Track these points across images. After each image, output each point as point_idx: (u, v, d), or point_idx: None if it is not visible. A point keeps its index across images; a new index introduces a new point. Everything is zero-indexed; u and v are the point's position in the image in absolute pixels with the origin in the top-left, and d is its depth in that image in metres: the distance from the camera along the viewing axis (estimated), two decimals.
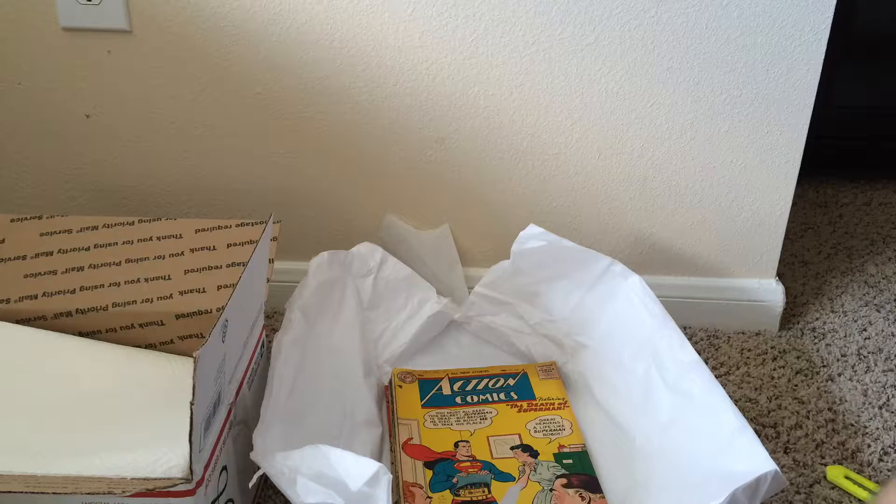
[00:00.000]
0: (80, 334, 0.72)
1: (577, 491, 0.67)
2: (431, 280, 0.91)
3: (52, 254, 0.75)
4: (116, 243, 0.76)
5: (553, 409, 0.78)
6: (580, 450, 0.73)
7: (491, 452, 0.72)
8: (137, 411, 0.63)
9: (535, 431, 0.75)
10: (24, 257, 0.75)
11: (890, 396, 0.85)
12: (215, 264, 0.76)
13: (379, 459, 0.73)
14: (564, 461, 0.71)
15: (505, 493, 0.67)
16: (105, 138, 0.92)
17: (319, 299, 0.80)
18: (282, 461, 0.57)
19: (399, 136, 0.90)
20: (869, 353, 0.93)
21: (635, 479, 0.70)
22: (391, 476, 0.55)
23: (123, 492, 0.52)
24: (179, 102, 0.90)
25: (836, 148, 1.31)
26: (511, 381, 0.81)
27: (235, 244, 0.77)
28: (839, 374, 0.89)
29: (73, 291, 0.73)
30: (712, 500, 0.56)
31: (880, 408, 0.84)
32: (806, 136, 0.89)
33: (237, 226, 0.78)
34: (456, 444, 0.73)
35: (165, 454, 0.55)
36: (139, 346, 0.72)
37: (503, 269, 0.86)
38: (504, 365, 0.84)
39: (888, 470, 0.76)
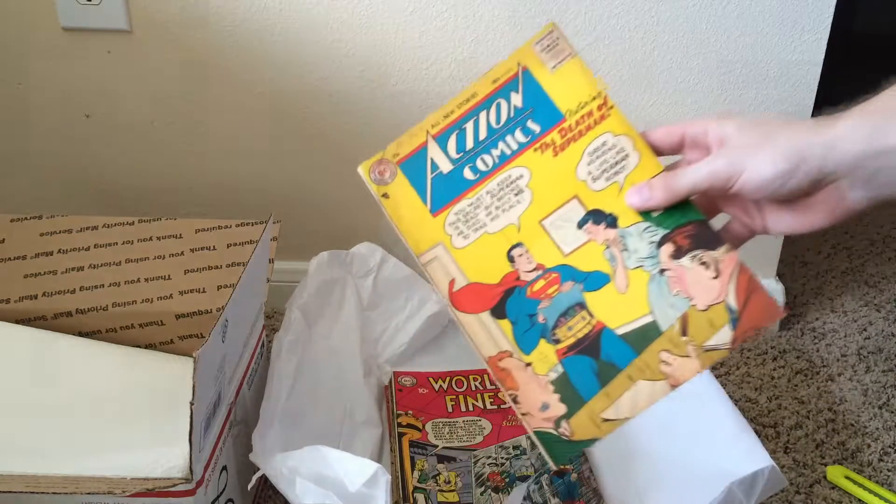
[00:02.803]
0: (80, 334, 0.72)
1: (694, 256, 0.48)
2: None
3: (52, 254, 0.75)
4: (116, 243, 0.76)
5: (594, 122, 0.51)
6: None
7: (557, 245, 0.50)
8: (137, 411, 0.63)
9: (594, 180, 0.50)
10: (24, 257, 0.75)
11: (890, 396, 0.85)
12: (215, 264, 0.75)
13: (378, 460, 0.73)
14: (654, 214, 0.49)
15: (607, 305, 0.48)
16: (105, 138, 0.92)
17: (319, 299, 0.80)
18: (281, 462, 0.57)
19: (399, 136, 0.90)
20: (869, 353, 0.93)
21: (635, 477, 0.70)
22: (390, 476, 0.55)
23: (123, 492, 0.52)
24: (179, 102, 0.90)
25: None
26: (517, 100, 0.52)
27: (235, 244, 0.77)
28: (839, 374, 0.89)
29: (73, 291, 0.73)
30: (709, 496, 0.56)
31: (880, 408, 0.84)
32: None
33: (237, 226, 0.78)
34: (510, 257, 0.50)
35: (165, 454, 0.55)
36: (139, 346, 0.72)
37: None
38: (491, 73, 0.53)
39: (888, 470, 0.76)
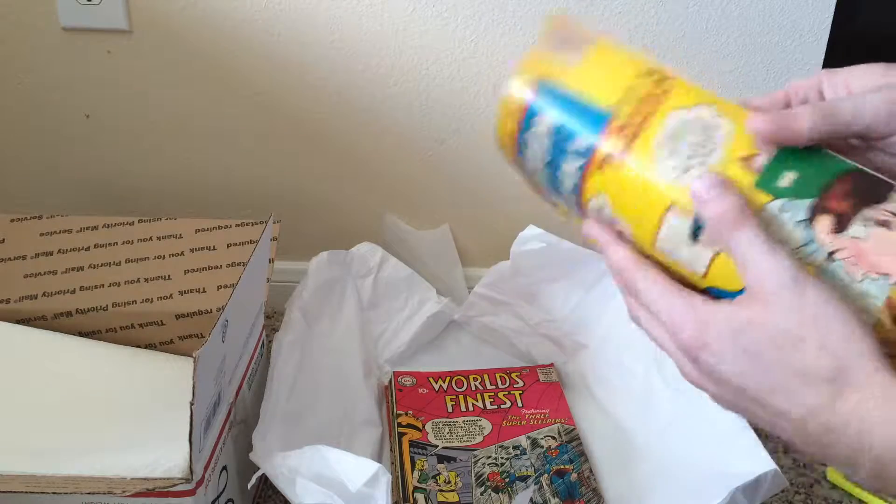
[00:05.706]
0: (80, 334, 0.72)
1: (866, 219, 0.35)
2: (431, 280, 0.91)
3: (52, 254, 0.75)
4: (116, 243, 0.76)
5: (655, 102, 0.38)
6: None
7: (688, 270, 0.39)
8: (137, 411, 0.63)
9: (685, 172, 0.37)
10: (24, 257, 0.75)
11: None
12: (215, 264, 0.76)
13: (379, 460, 0.73)
14: (784, 184, 0.36)
15: None
16: (105, 138, 0.92)
17: (319, 299, 0.80)
18: (281, 461, 0.57)
19: (399, 136, 0.90)
20: None
21: (635, 478, 0.70)
22: (391, 476, 0.55)
23: (123, 492, 0.52)
24: (179, 102, 0.90)
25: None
26: (545, 124, 0.41)
27: (235, 244, 0.77)
28: None
29: (73, 291, 0.73)
30: (712, 500, 0.56)
31: None
32: None
33: (237, 226, 0.78)
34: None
35: (165, 454, 0.55)
36: (139, 346, 0.72)
37: (503, 270, 0.86)
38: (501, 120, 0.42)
39: None
